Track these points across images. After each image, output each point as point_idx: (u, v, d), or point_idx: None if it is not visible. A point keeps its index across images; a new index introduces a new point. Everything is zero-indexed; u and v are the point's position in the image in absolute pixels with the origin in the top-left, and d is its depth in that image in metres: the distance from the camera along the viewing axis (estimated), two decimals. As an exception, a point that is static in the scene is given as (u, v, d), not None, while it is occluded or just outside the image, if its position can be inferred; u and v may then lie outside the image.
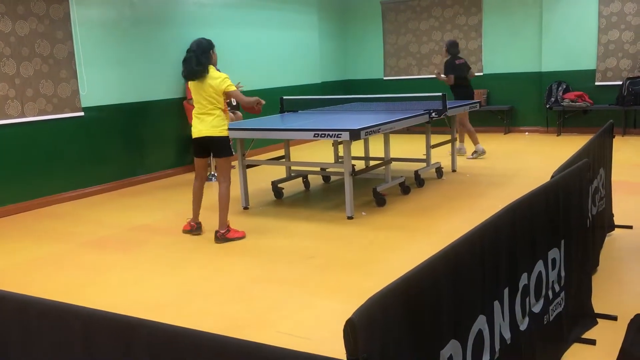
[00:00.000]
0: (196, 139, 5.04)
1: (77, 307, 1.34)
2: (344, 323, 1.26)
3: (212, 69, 4.95)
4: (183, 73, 5.01)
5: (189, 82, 5.03)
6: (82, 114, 7.05)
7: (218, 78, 4.89)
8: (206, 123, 4.95)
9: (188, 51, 4.95)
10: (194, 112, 5.09)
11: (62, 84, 6.80)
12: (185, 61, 4.93)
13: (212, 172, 7.81)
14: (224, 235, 5.01)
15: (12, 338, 1.41)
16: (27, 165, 6.54)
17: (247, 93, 9.30)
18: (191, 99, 7.97)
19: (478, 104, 7.84)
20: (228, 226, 5.06)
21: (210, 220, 5.34)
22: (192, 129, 5.08)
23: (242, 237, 5.09)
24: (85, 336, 1.30)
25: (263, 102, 5.09)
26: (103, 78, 7.30)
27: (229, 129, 5.26)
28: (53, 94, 6.71)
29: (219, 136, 4.97)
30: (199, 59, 4.86)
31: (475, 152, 8.44)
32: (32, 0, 6.44)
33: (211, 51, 4.96)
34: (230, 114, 7.93)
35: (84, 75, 7.04)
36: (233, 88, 4.95)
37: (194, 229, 5.28)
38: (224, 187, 5.04)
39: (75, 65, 6.93)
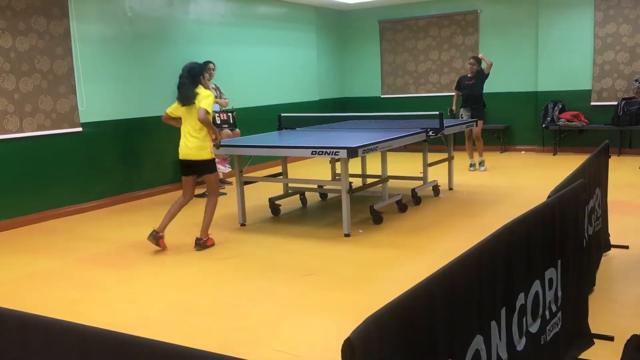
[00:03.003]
0: (182, 160, 5.28)
1: (74, 324, 1.34)
2: (339, 342, 1.27)
3: (200, 88, 5.15)
4: (179, 98, 5.19)
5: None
6: (80, 129, 7.07)
7: (202, 96, 5.08)
8: (191, 144, 5.16)
9: (180, 77, 5.16)
10: (182, 130, 5.28)
11: (61, 100, 6.83)
12: (181, 87, 5.14)
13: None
14: (205, 243, 5.31)
15: (10, 355, 1.41)
16: (25, 180, 6.54)
17: (247, 110, 9.35)
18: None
19: (475, 123, 7.90)
20: (208, 236, 5.35)
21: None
22: (180, 148, 5.27)
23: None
24: (82, 354, 1.30)
25: (219, 141, 5.43)
26: (102, 94, 7.33)
27: (225, 146, 5.66)
28: (52, 109, 6.73)
29: (203, 159, 5.20)
30: (191, 85, 5.10)
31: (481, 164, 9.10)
32: (32, 17, 6.49)
33: (201, 77, 5.21)
34: (228, 130, 7.98)
35: (82, 91, 7.07)
36: (207, 108, 5.05)
37: (153, 235, 5.22)
38: (213, 201, 5.33)
39: (74, 81, 6.96)
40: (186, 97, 5.10)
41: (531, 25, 10.55)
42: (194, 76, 5.12)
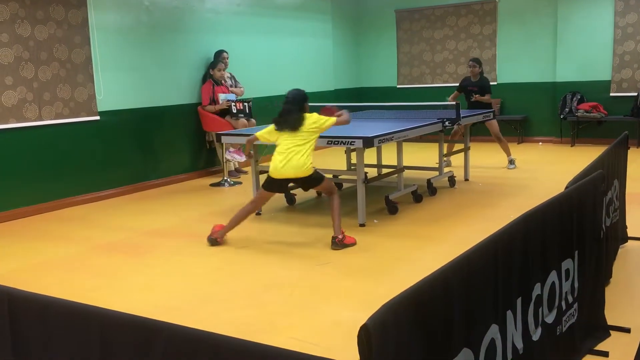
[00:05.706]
0: (277, 179, 4.99)
1: (96, 308, 1.37)
2: (354, 330, 1.28)
3: (309, 115, 5.01)
4: (280, 124, 4.99)
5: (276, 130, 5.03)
6: (97, 118, 7.13)
7: (315, 120, 4.97)
8: (293, 162, 4.88)
9: (286, 102, 5.02)
10: (279, 149, 4.99)
11: (79, 88, 6.88)
12: (285, 113, 4.98)
13: (225, 178, 7.87)
14: (342, 241, 4.96)
15: (34, 338, 1.44)
16: (43, 168, 6.62)
17: (262, 100, 9.31)
18: (207, 104, 8.08)
19: (492, 114, 7.83)
20: (343, 232, 5.01)
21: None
22: (273, 167, 4.94)
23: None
24: (104, 337, 1.32)
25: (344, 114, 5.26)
26: (119, 83, 7.38)
27: (242, 135, 5.37)
28: (70, 97, 6.79)
29: (307, 176, 4.97)
30: (297, 112, 4.95)
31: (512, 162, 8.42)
32: (51, 6, 6.53)
33: (305, 103, 5.05)
34: (244, 120, 7.99)
35: (100, 79, 7.12)
36: (332, 120, 5.03)
37: (213, 238, 5.15)
38: (335, 199, 5.08)
39: (92, 69, 7.01)
40: (292, 123, 4.91)
41: (550, 15, 10.42)
42: (299, 102, 4.99)
